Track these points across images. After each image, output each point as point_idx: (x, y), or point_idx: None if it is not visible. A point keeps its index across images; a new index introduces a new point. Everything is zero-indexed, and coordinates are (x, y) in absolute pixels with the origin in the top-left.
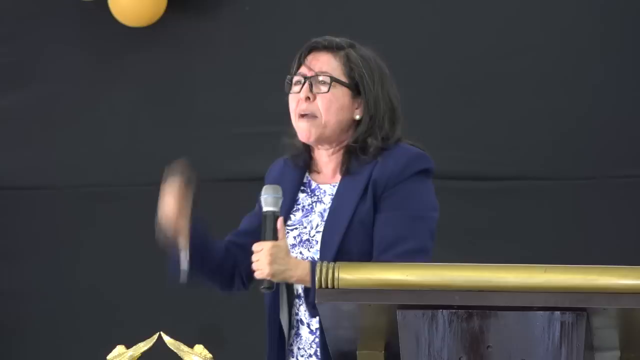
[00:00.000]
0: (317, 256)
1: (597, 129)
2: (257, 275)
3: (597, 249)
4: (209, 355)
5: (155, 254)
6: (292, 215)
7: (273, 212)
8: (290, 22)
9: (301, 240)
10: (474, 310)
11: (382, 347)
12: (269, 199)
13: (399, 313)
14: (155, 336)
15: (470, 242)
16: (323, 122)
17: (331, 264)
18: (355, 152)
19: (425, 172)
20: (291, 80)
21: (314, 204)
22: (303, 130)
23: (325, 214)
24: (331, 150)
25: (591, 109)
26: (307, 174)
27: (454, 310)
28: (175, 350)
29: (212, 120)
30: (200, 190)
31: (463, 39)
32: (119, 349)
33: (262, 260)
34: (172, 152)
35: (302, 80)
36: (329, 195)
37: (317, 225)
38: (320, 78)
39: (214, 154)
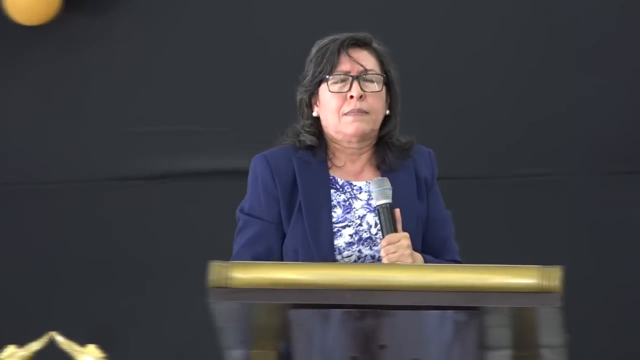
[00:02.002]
0: (379, 254)
1: (486, 128)
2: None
3: (490, 247)
4: (102, 355)
5: (46, 253)
6: (332, 212)
7: (388, 204)
8: (186, 20)
9: (360, 238)
10: (366, 309)
11: (275, 346)
12: (382, 192)
13: (291, 312)
14: (48, 336)
15: None
16: (373, 119)
17: (225, 263)
18: (389, 146)
19: None
20: (323, 77)
21: (350, 200)
22: (354, 125)
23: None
24: (364, 145)
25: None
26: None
27: (347, 310)
28: (67, 350)
29: (109, 119)
30: (97, 189)
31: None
32: (10, 349)
33: (404, 252)
34: (68, 151)
35: (349, 79)
36: (366, 192)
37: (376, 224)
38: (369, 76)
39: (110, 153)
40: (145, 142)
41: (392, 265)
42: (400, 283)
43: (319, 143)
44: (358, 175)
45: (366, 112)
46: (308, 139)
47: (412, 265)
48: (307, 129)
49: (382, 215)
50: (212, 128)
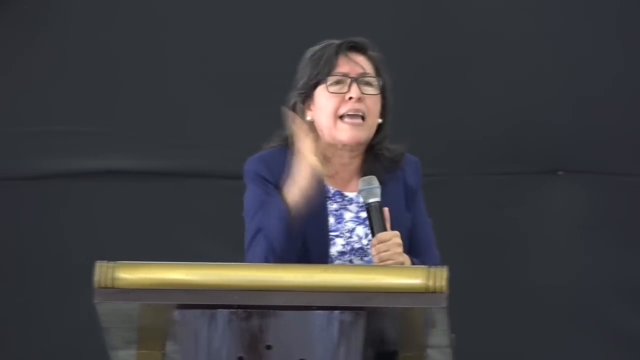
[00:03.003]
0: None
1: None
2: (387, 264)
3: None
4: None
5: None
6: (327, 219)
7: (378, 203)
8: (68, 21)
9: (352, 248)
10: (253, 309)
11: (161, 346)
12: (370, 191)
13: (177, 312)
14: None
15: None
16: (369, 124)
17: (111, 264)
18: (379, 157)
19: None
20: (321, 79)
21: (341, 210)
22: (349, 132)
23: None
24: (355, 153)
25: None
26: None
27: (234, 310)
28: None
29: None
30: None
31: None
32: None
33: (395, 250)
34: None
35: (347, 80)
36: (355, 203)
37: (367, 235)
38: (367, 79)
39: None
40: (31, 142)
41: (279, 265)
42: (286, 283)
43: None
44: (347, 185)
45: (362, 117)
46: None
47: (298, 265)
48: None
49: (372, 214)
50: (98, 128)
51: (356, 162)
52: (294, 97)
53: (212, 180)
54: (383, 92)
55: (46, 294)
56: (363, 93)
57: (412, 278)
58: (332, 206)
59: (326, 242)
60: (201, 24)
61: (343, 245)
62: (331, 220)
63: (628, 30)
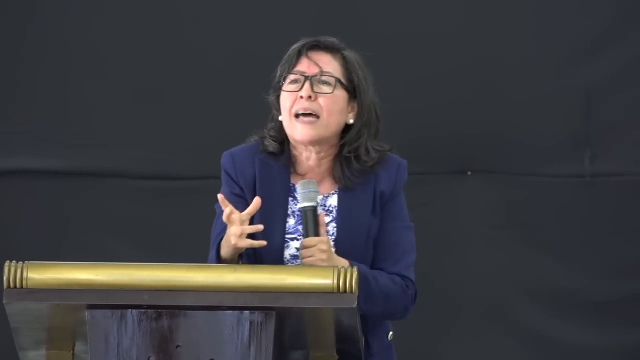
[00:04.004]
0: None
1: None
2: None
3: None
4: None
5: None
6: (286, 223)
7: (314, 207)
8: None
9: None
10: (163, 309)
11: (71, 347)
12: (308, 194)
13: (87, 313)
14: None
15: (159, 241)
16: (324, 123)
17: (20, 263)
18: (350, 161)
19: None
20: (284, 77)
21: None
22: (302, 130)
23: (330, 228)
24: (322, 154)
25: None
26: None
27: (144, 310)
28: None
29: None
30: None
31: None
32: None
33: (319, 256)
34: None
35: (302, 79)
36: (321, 206)
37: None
38: (324, 78)
39: None
40: None
41: (189, 265)
42: (196, 283)
43: (280, 149)
44: (319, 187)
45: (315, 115)
46: (270, 145)
47: (208, 266)
48: (271, 133)
49: (305, 218)
50: (7, 128)
51: (325, 164)
52: (270, 95)
53: (123, 180)
54: (352, 92)
55: None
56: (315, 91)
57: (322, 278)
58: (296, 207)
59: (281, 245)
60: (106, 20)
61: (297, 248)
62: (292, 221)
63: (543, 28)
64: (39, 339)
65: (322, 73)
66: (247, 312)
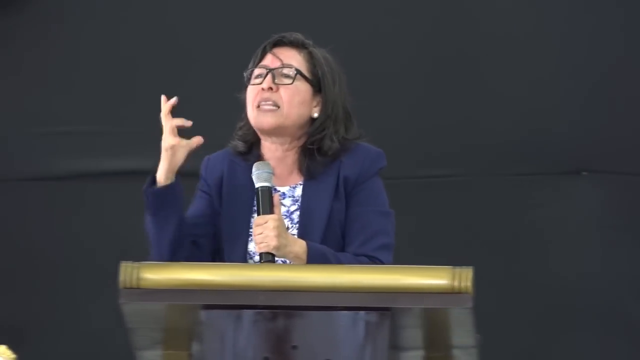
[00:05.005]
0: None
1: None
2: (262, 248)
3: (402, 248)
4: (13, 355)
5: None
6: (251, 218)
7: (268, 187)
8: (84, 21)
9: None
10: (278, 310)
11: (187, 347)
12: (262, 175)
13: (203, 313)
14: None
15: None
16: (285, 113)
17: (135, 264)
18: (313, 153)
19: (381, 170)
20: (251, 73)
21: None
22: (262, 118)
23: (295, 217)
24: (286, 146)
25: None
26: None
27: (259, 310)
28: None
29: (8, 119)
30: (7, 189)
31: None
32: None
33: (268, 233)
34: None
35: (265, 72)
36: (290, 197)
37: (288, 229)
38: (285, 70)
39: (10, 153)
40: (48, 143)
41: (305, 266)
42: (311, 284)
43: (248, 148)
44: (286, 179)
45: (277, 105)
46: (239, 145)
47: (324, 266)
48: (239, 133)
49: (258, 198)
50: (116, 128)
51: (291, 156)
52: (240, 95)
53: None
54: (316, 85)
55: (71, 294)
56: (276, 83)
57: (437, 279)
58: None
59: (245, 240)
60: (214, 23)
61: None
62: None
63: None
64: (156, 339)
65: (283, 66)
66: (362, 312)
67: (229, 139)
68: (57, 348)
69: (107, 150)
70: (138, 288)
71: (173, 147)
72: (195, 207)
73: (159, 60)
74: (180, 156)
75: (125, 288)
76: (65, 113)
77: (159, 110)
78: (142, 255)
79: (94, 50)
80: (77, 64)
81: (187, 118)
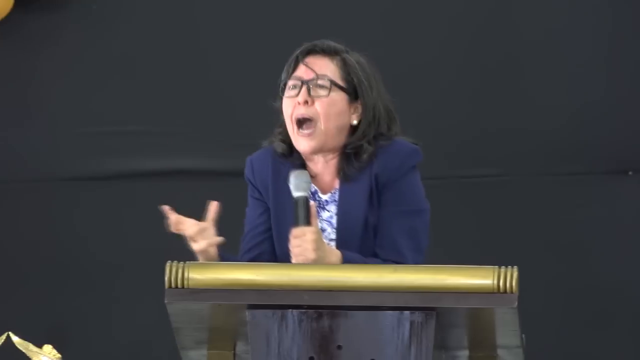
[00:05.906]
0: None
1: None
2: (299, 260)
3: (444, 249)
4: (58, 355)
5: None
6: None
7: (305, 197)
8: (138, 19)
9: None
10: (323, 309)
11: (232, 346)
12: (300, 185)
13: (248, 313)
14: (4, 336)
15: None
16: (323, 128)
17: (181, 264)
18: (350, 157)
19: (416, 166)
20: (285, 84)
21: (318, 209)
22: (303, 143)
23: (334, 222)
24: (329, 157)
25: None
26: None
27: (304, 310)
28: (24, 351)
29: (58, 119)
30: (48, 189)
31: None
32: None
33: (306, 246)
34: (19, 152)
35: (299, 84)
36: (332, 203)
37: (330, 234)
38: (319, 82)
39: (60, 153)
40: (97, 143)
41: (349, 266)
42: (356, 283)
43: (289, 150)
44: (329, 186)
45: (313, 122)
46: (279, 147)
47: (368, 266)
48: (280, 137)
49: (296, 208)
50: (164, 128)
51: (334, 163)
52: (275, 102)
53: None
54: (352, 93)
55: (114, 293)
56: (312, 96)
57: (482, 278)
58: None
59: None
60: (266, 24)
61: None
62: None
63: None
64: (200, 339)
65: (317, 77)
66: (407, 312)
67: (261, 139)
68: (101, 347)
69: (155, 151)
70: (183, 288)
71: (203, 251)
72: (252, 216)
73: (209, 62)
74: (213, 251)
75: (171, 288)
76: (114, 113)
77: (208, 111)
78: (187, 255)
79: (143, 51)
80: (125, 64)
81: (235, 114)
